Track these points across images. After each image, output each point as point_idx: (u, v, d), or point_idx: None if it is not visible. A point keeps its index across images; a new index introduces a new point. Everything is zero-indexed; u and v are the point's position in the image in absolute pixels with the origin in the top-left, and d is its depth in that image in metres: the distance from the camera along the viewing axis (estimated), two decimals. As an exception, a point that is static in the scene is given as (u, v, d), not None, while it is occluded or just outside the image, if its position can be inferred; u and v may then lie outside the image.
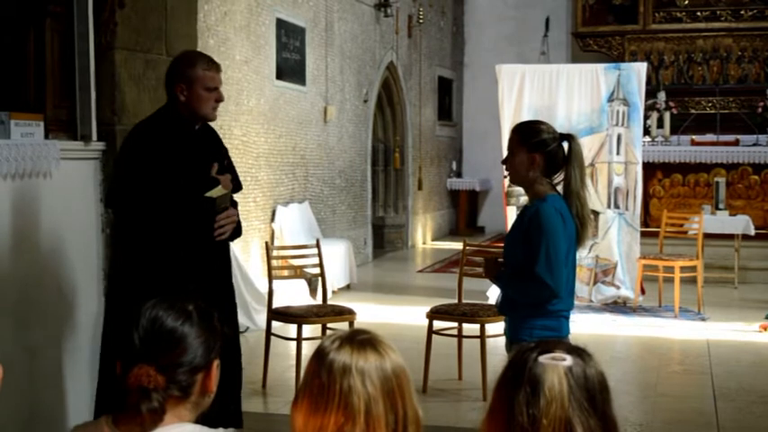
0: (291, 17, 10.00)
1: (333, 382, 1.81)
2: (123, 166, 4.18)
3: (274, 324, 6.25)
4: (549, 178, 3.78)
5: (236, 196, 4.45)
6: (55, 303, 4.60)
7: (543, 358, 1.69)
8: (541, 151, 3.74)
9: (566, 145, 3.80)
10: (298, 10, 10.19)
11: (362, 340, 1.87)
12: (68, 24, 4.74)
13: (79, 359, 4.79)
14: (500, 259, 4.01)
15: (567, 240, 3.70)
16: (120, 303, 4.07)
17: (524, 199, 9.16)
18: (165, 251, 4.06)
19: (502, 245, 9.43)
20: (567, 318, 3.83)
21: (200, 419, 2.17)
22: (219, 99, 4.23)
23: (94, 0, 4.78)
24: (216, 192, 4.10)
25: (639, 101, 9.19)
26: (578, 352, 1.72)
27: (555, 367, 1.67)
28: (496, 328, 6.37)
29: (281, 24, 9.72)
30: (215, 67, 4.24)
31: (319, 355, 1.86)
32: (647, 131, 12.03)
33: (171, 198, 4.04)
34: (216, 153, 4.31)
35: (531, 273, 3.65)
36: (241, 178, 4.56)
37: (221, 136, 4.55)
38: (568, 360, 1.68)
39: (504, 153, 9.23)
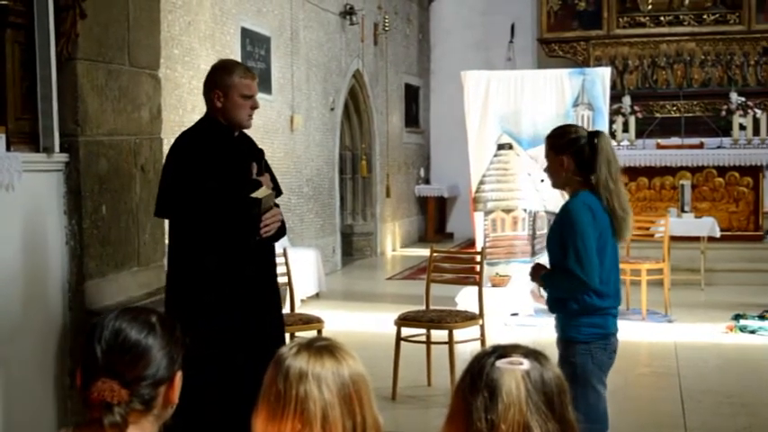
0: (256, 26, 9.98)
1: (289, 388, 1.81)
2: (171, 177, 4.26)
3: (242, 334, 6.21)
4: (582, 176, 3.92)
5: None
6: (19, 317, 4.55)
7: (501, 363, 1.69)
8: (568, 152, 3.91)
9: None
10: (262, 19, 10.18)
11: (320, 347, 1.87)
12: (29, 35, 4.69)
13: (45, 372, 4.74)
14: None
15: (598, 233, 3.84)
16: (182, 310, 4.12)
17: (492, 204, 9.29)
18: (218, 254, 4.16)
19: (471, 251, 9.43)
20: (615, 315, 3.97)
21: (163, 430, 2.15)
22: (255, 106, 4.33)
23: (56, 10, 4.74)
24: (261, 192, 4.21)
25: (604, 105, 9.27)
26: (535, 355, 1.73)
27: (512, 372, 1.68)
28: (464, 333, 6.40)
29: (245, 33, 9.70)
30: (251, 75, 4.33)
31: (277, 361, 1.86)
32: (612, 136, 12.11)
33: (220, 202, 4.14)
34: (254, 157, 4.42)
35: (565, 268, 3.83)
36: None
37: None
38: (526, 364, 1.69)
39: (471, 159, 9.39)
